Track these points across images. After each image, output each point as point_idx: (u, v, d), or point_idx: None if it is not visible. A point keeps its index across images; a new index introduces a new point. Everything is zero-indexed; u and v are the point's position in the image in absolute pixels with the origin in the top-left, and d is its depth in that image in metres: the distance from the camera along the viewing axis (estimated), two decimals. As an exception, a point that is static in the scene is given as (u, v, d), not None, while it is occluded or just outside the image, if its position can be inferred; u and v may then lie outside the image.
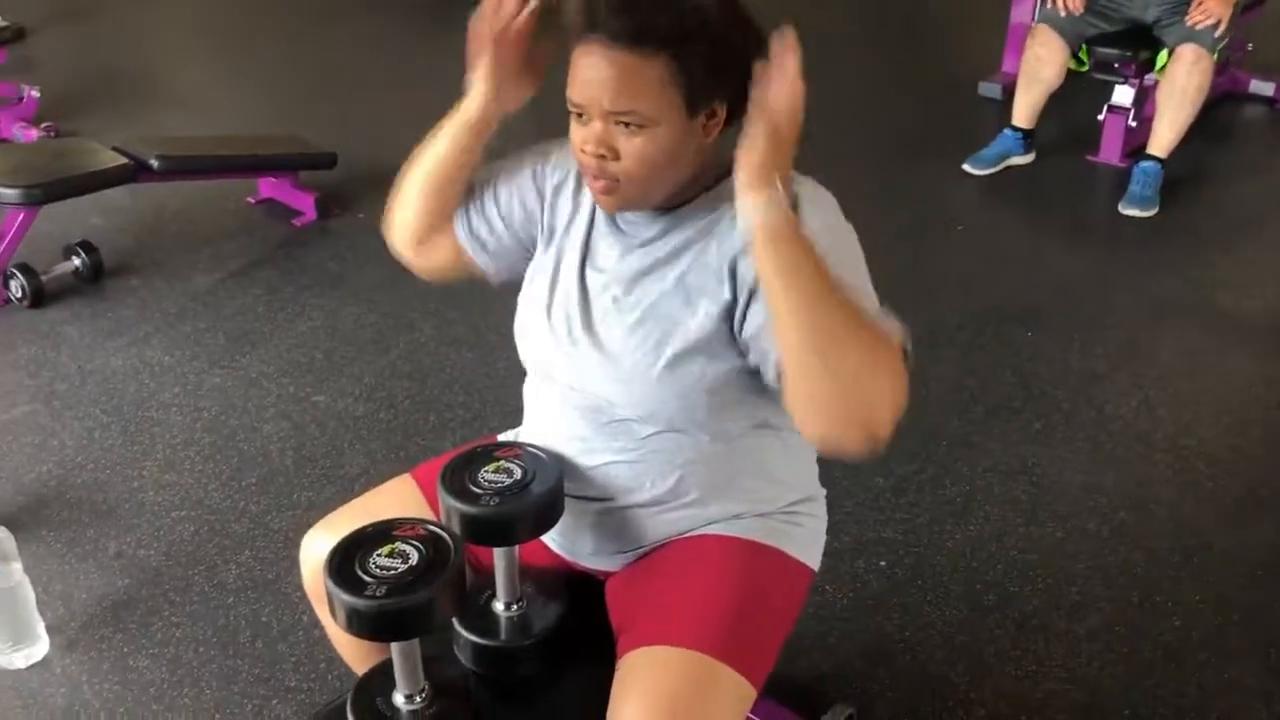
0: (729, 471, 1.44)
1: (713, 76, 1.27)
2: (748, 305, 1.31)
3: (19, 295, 3.47)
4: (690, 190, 1.37)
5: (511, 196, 1.50)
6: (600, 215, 1.43)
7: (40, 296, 3.48)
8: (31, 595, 2.21)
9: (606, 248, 1.42)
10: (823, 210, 1.34)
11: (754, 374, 1.35)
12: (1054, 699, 2.04)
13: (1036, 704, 2.03)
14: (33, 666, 2.20)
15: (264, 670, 2.17)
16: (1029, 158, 4.24)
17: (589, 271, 1.43)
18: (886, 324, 1.28)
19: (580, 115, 1.30)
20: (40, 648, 2.22)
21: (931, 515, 2.51)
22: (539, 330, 1.46)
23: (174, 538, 2.53)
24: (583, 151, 1.31)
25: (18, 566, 2.16)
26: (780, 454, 1.47)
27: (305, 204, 4.00)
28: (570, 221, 1.46)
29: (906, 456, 2.69)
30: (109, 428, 2.93)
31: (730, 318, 1.33)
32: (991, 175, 4.18)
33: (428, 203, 1.51)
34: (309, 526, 1.61)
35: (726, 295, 1.32)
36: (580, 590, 1.52)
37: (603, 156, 1.29)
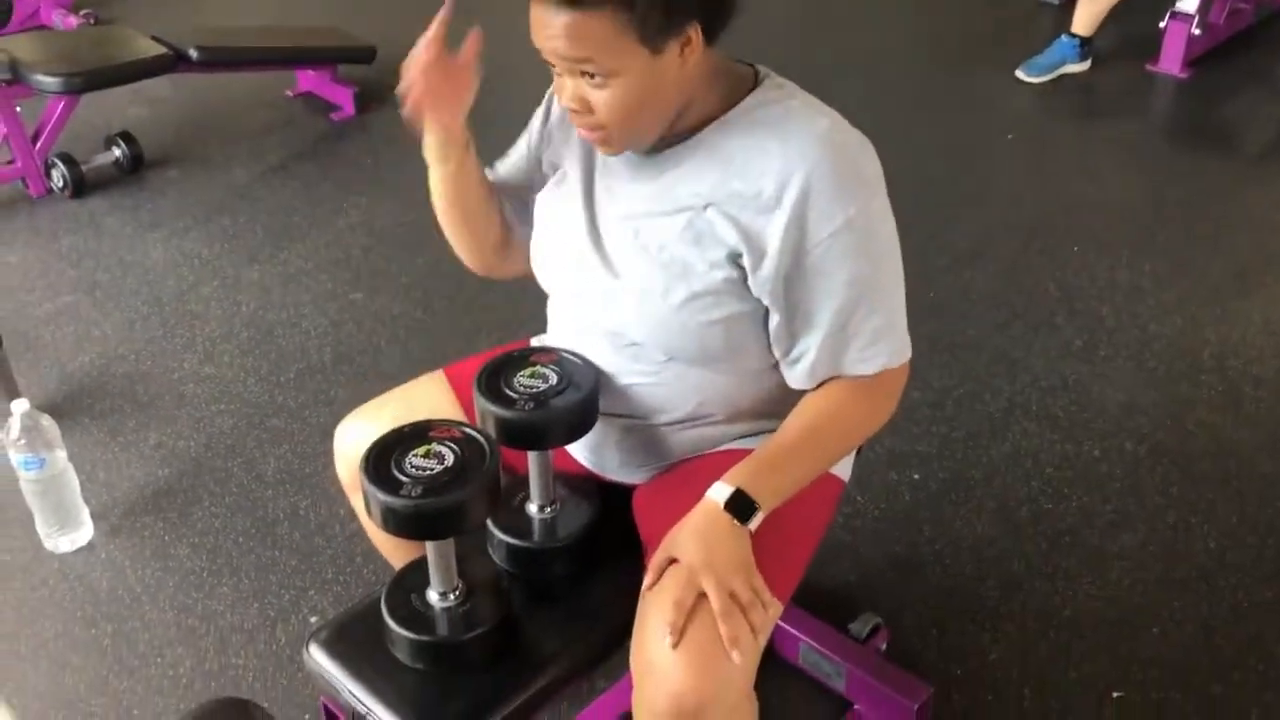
0: (749, 397, 1.43)
1: (669, 11, 1.20)
2: (757, 261, 1.29)
3: (60, 185, 3.48)
4: (696, 113, 1.32)
5: (532, 179, 1.51)
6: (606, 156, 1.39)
7: (81, 186, 3.49)
8: (76, 482, 2.25)
9: (616, 183, 1.39)
10: (849, 194, 1.28)
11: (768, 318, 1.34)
12: (1083, 615, 2.05)
13: (1065, 620, 2.04)
14: (78, 551, 2.25)
15: (301, 562, 2.21)
16: (1085, 66, 4.11)
17: (601, 205, 1.40)
18: (890, 345, 1.34)
19: (553, 66, 1.27)
20: (85, 533, 2.27)
21: (968, 430, 2.50)
22: (554, 260, 1.46)
23: (213, 430, 2.56)
24: (566, 105, 1.29)
25: (62, 454, 2.20)
26: None
27: (344, 98, 3.96)
28: (579, 155, 1.43)
29: (945, 371, 2.67)
30: (149, 319, 2.96)
31: (740, 266, 1.31)
32: (1045, 84, 4.06)
33: (473, 234, 1.54)
34: None
35: (735, 244, 1.30)
36: (611, 496, 1.52)
37: (578, 111, 1.27)
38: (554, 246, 1.45)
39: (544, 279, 1.49)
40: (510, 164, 1.55)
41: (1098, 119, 3.94)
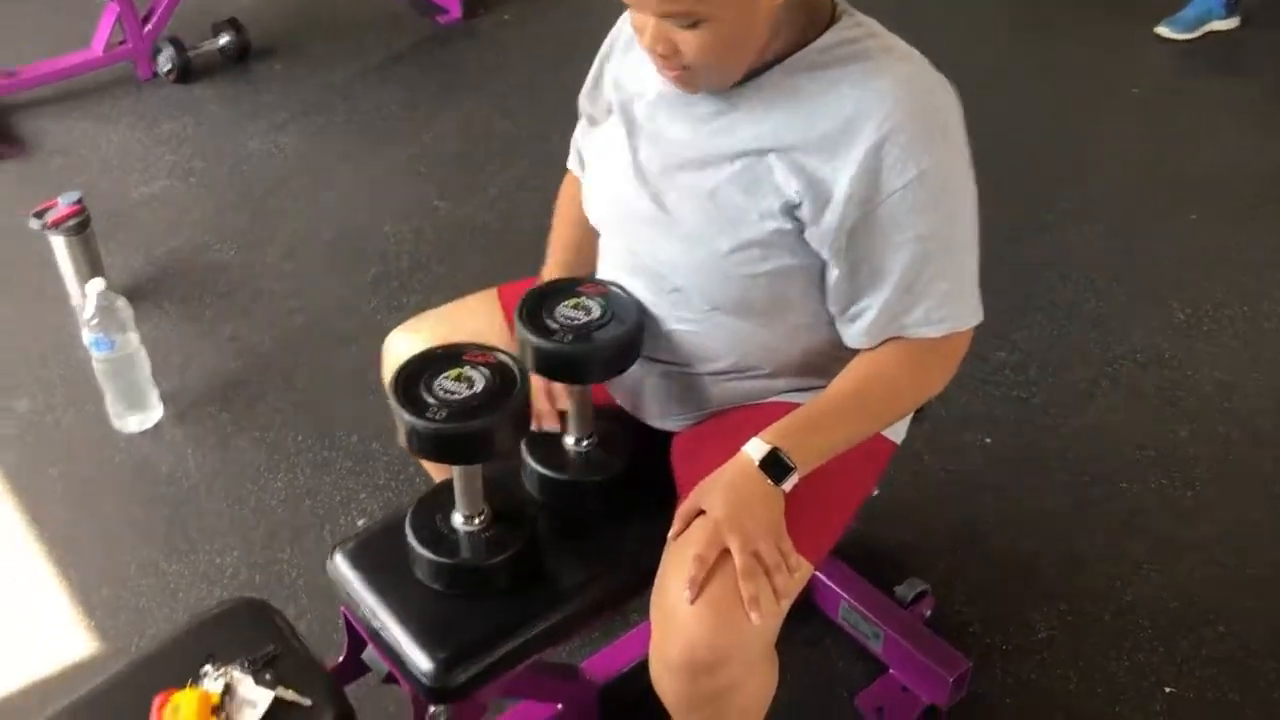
0: (796, 353, 1.37)
1: None
2: (818, 212, 1.21)
3: (166, 69, 3.52)
4: (770, 50, 1.23)
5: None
6: (666, 86, 1.30)
7: (187, 72, 3.51)
8: (148, 365, 2.30)
9: (673, 121, 1.32)
10: (927, 145, 1.19)
11: (823, 274, 1.27)
12: (1143, 603, 1.95)
13: (1124, 606, 1.95)
14: (144, 432, 2.30)
15: (356, 465, 2.23)
16: (1232, 23, 3.83)
17: (655, 143, 1.33)
18: (959, 308, 1.26)
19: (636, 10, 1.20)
20: (153, 415, 2.32)
21: (1050, 397, 2.39)
22: (604, 196, 1.41)
23: (286, 327, 2.59)
24: (648, 49, 1.21)
25: (134, 337, 2.24)
26: None
27: (451, 2, 3.91)
28: (638, 91, 1.36)
29: (1035, 333, 2.55)
30: (239, 210, 2.98)
31: (796, 217, 1.23)
32: (1188, 41, 3.80)
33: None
34: None
35: (794, 195, 1.22)
36: (649, 439, 1.48)
37: (665, 55, 1.19)
38: (604, 182, 1.40)
39: (594, 215, 1.44)
40: (589, 130, 1.51)
41: (1238, 79, 3.68)
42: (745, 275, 1.27)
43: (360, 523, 2.10)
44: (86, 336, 2.19)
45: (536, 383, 1.40)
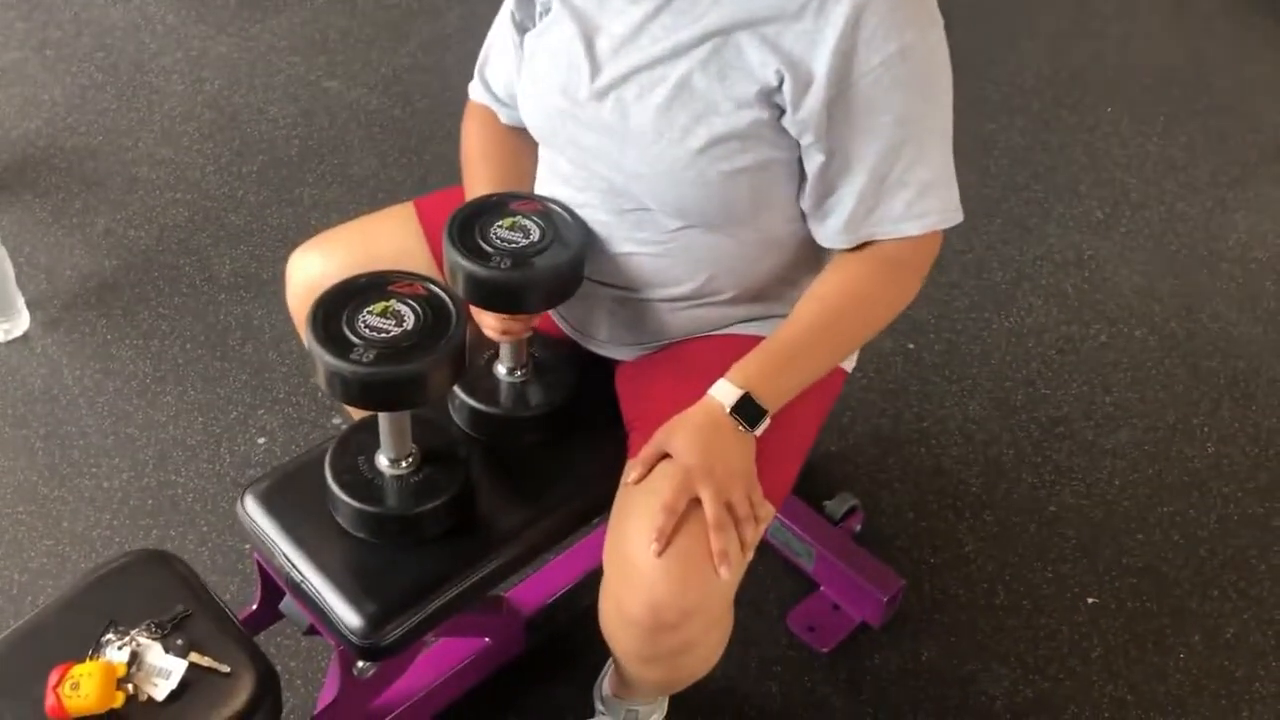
0: (765, 271, 1.27)
1: None
2: (800, 92, 1.10)
3: (11, -78, 3.14)
4: None
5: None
6: None
7: (35, -73, 3.15)
8: (10, 267, 2.08)
9: (625, 6, 1.16)
10: (907, 19, 1.09)
11: (801, 168, 1.16)
12: (1067, 513, 1.96)
13: (1049, 516, 1.95)
14: (11, 342, 2.10)
15: (252, 377, 2.07)
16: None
17: (604, 34, 1.18)
18: (942, 200, 1.17)
19: None
20: (20, 323, 2.11)
21: (971, 300, 2.35)
22: (544, 101, 1.24)
23: (166, 221, 2.37)
24: None
25: (-5, 237, 2.02)
26: (822, 250, 1.28)
27: None
28: None
29: (954, 232, 2.47)
30: (104, 88, 2.71)
31: (774, 103, 1.12)
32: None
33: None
34: (309, 228, 1.48)
35: (771, 77, 1.10)
36: (590, 367, 1.38)
37: None
38: (547, 88, 1.23)
39: (533, 124, 1.28)
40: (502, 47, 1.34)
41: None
42: (722, 174, 1.14)
43: (260, 441, 1.95)
44: (-61, 238, 1.96)
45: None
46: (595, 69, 1.18)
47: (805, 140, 1.13)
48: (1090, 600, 1.83)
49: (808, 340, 1.19)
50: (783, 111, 1.12)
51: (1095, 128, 2.85)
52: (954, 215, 1.20)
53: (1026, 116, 2.87)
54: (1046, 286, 2.40)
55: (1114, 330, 2.31)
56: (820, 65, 1.08)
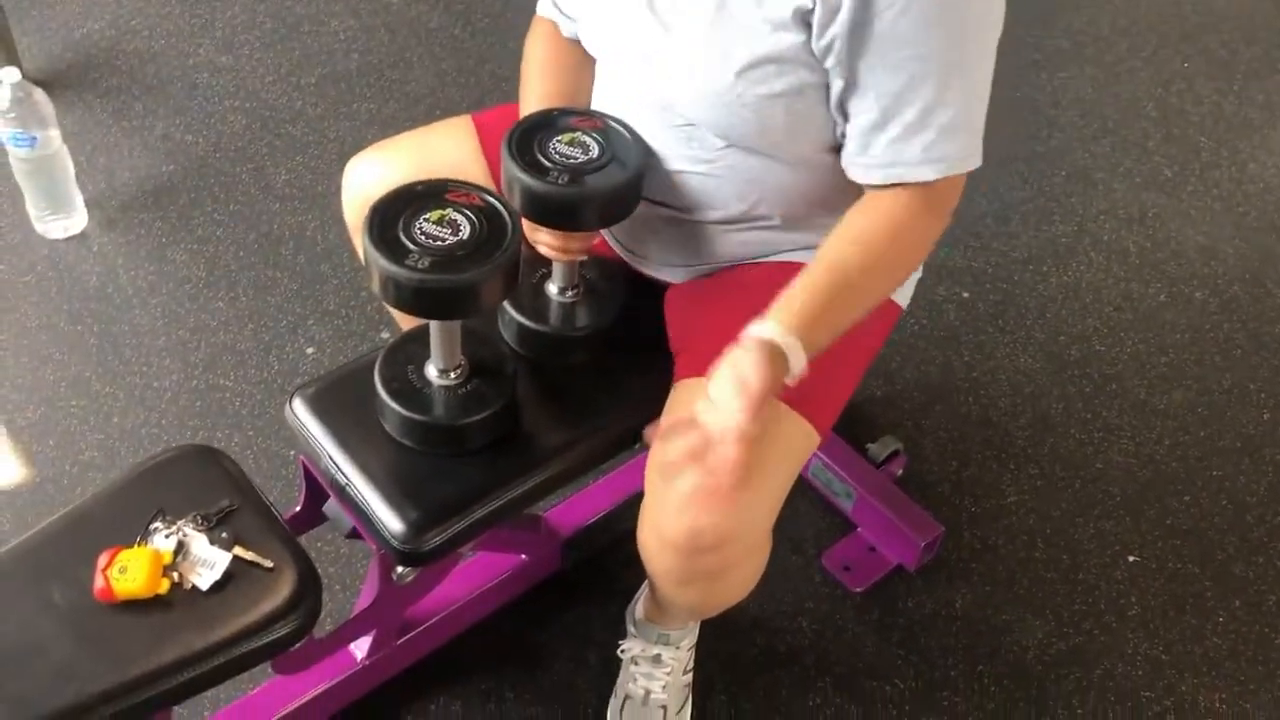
0: (808, 197, 1.25)
1: None
2: (829, 17, 1.07)
3: None
4: None
5: None
6: None
7: None
8: (70, 165, 2.09)
9: None
10: None
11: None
12: (1114, 470, 1.93)
13: (1095, 473, 1.92)
14: (70, 239, 2.12)
15: (303, 287, 2.08)
16: None
17: None
18: (959, 146, 1.12)
19: None
20: (78, 220, 2.13)
21: (1030, 251, 2.31)
22: (605, 24, 1.24)
23: (224, 128, 2.38)
24: None
25: (56, 134, 2.03)
26: None
27: None
28: None
29: (1019, 181, 2.45)
30: (168, -8, 2.71)
31: (808, 23, 1.09)
32: None
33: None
34: (365, 142, 1.46)
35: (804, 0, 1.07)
36: (641, 290, 1.37)
37: None
38: (605, 9, 1.23)
39: (588, 39, 1.28)
40: None
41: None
42: (759, 97, 1.13)
43: (310, 351, 1.97)
44: (3, 132, 1.97)
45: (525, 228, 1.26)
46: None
47: (827, 63, 1.11)
48: (1131, 558, 1.81)
49: (842, 289, 1.13)
50: (810, 35, 1.09)
51: (1169, 82, 2.77)
52: (967, 161, 1.15)
53: (1098, 67, 2.79)
54: (1108, 242, 2.35)
55: (1174, 290, 2.27)
56: None
